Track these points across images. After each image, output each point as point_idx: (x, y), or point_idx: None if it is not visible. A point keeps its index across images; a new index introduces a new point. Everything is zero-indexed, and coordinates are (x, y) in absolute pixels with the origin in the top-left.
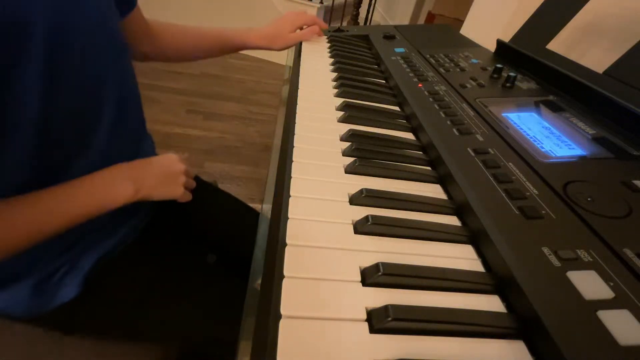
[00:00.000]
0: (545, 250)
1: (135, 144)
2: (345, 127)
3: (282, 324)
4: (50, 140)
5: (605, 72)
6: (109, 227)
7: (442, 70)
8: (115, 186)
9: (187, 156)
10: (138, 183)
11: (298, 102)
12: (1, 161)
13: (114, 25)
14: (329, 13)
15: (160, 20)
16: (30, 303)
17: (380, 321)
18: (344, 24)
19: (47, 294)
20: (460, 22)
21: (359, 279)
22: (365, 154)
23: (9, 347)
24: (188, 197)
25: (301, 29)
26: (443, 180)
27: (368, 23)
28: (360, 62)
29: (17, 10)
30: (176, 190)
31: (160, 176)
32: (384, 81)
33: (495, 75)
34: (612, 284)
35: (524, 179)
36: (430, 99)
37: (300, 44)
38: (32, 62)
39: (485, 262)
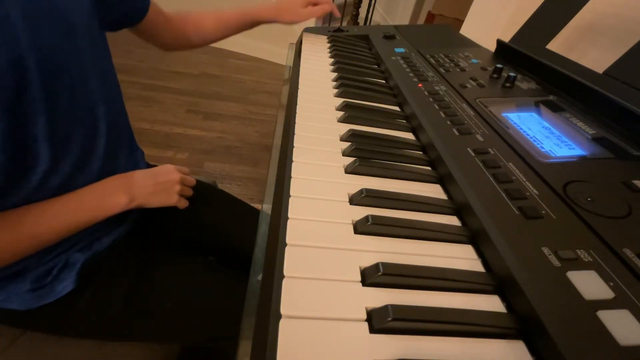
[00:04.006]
0: (545, 250)
1: (128, 156)
2: (345, 127)
3: (282, 324)
4: (57, 160)
5: (605, 72)
6: (105, 229)
7: (442, 70)
8: (108, 197)
9: (187, 156)
10: (132, 193)
11: (298, 102)
12: (23, 184)
13: (100, 46)
14: (329, 13)
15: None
16: (29, 297)
17: (380, 321)
18: (344, 24)
19: (45, 288)
20: (460, 22)
21: (359, 279)
22: (365, 154)
23: (10, 351)
24: (184, 204)
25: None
26: (443, 180)
27: (368, 23)
28: (360, 62)
29: (10, 51)
30: (171, 198)
31: (155, 186)
32: (384, 81)
33: (495, 75)
34: (612, 284)
35: (524, 179)
36: (430, 99)
37: (300, 43)
38: (32, 86)
39: (485, 262)
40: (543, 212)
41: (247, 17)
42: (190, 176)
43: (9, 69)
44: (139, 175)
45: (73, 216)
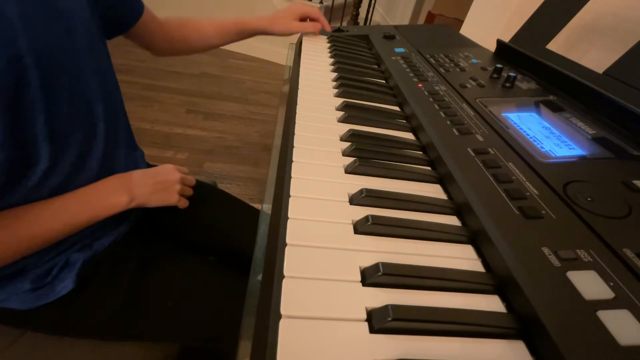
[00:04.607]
0: (545, 250)
1: (127, 156)
2: (345, 127)
3: (282, 324)
4: (56, 159)
5: (605, 72)
6: (105, 229)
7: (442, 70)
8: (109, 196)
9: (187, 156)
10: (132, 192)
11: (298, 102)
12: (20, 183)
13: (99, 46)
14: (329, 13)
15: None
16: (29, 296)
17: (380, 321)
18: (344, 24)
19: (45, 288)
20: (460, 22)
21: (359, 279)
22: (365, 154)
23: (10, 351)
24: (184, 203)
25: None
26: (443, 180)
27: (368, 23)
28: (360, 62)
29: (9, 50)
30: (171, 198)
31: (155, 185)
32: (384, 81)
33: (495, 75)
34: (612, 284)
35: (524, 179)
36: (430, 99)
37: (300, 43)
38: (31, 86)
39: (485, 262)
40: (543, 212)
41: (243, 26)
42: (189, 176)
43: (8, 68)
44: (139, 175)
45: (73, 215)
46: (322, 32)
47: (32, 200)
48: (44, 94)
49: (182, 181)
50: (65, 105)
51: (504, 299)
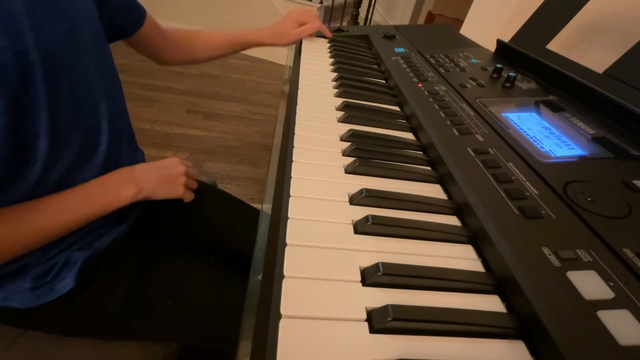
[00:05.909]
0: (545, 250)
1: (129, 156)
2: (345, 127)
3: (282, 324)
4: (55, 157)
5: (605, 72)
6: (106, 228)
7: (442, 70)
8: (116, 189)
9: (187, 156)
10: (139, 185)
11: (298, 102)
12: (20, 180)
13: (103, 45)
14: (329, 13)
15: (176, 26)
16: (29, 295)
17: (380, 321)
18: (344, 24)
19: (45, 287)
20: (460, 22)
21: (359, 279)
22: (365, 154)
23: (10, 351)
24: (190, 196)
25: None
26: (443, 180)
27: (368, 23)
28: (360, 62)
29: (15, 47)
30: (177, 190)
31: (161, 178)
32: (384, 81)
33: (495, 75)
34: (612, 284)
35: (524, 179)
36: (430, 99)
37: (300, 44)
38: (36, 82)
39: (485, 262)
40: (543, 212)
41: (246, 39)
42: (194, 170)
43: (14, 64)
44: (145, 167)
45: (80, 209)
46: (319, 34)
47: (35, 196)
48: (47, 90)
49: (186, 174)
50: (68, 102)
51: (504, 299)
